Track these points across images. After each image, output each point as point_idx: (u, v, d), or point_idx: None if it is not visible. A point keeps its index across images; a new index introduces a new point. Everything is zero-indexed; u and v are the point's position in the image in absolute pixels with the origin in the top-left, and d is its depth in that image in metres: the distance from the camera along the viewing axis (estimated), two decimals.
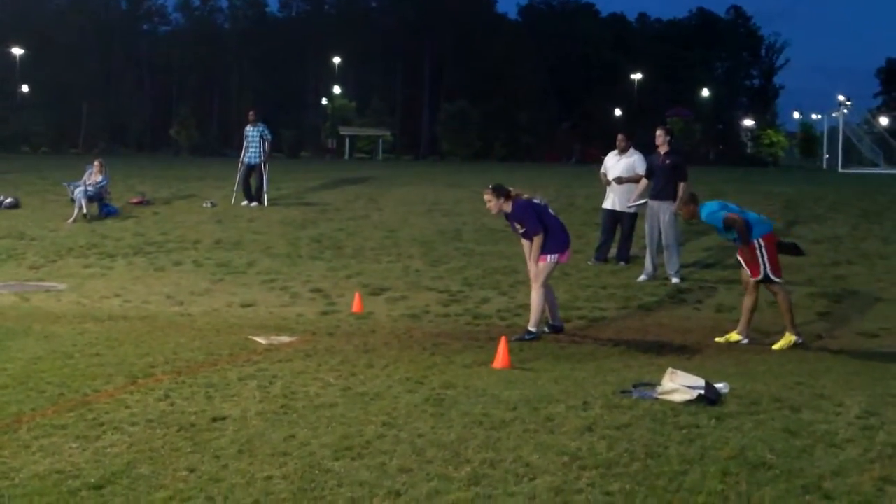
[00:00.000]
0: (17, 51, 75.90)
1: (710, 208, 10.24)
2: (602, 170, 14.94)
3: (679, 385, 7.07)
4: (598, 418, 6.39)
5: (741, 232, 9.84)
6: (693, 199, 10.70)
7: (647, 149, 14.62)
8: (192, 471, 5.28)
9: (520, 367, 8.34)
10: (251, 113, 21.47)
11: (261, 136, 20.84)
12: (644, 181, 13.75)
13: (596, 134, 73.79)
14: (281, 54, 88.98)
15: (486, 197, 10.24)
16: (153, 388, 7.23)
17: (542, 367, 8.41)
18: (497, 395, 7.07)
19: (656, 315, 11.53)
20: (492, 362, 8.44)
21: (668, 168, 13.31)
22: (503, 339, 8.63)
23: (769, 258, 9.89)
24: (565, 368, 8.41)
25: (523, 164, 49.75)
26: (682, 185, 13.13)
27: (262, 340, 9.42)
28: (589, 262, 14.54)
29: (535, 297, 9.98)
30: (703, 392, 6.93)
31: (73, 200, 19.38)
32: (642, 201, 13.83)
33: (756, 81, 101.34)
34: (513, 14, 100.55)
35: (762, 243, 9.89)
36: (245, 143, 21.01)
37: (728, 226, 9.95)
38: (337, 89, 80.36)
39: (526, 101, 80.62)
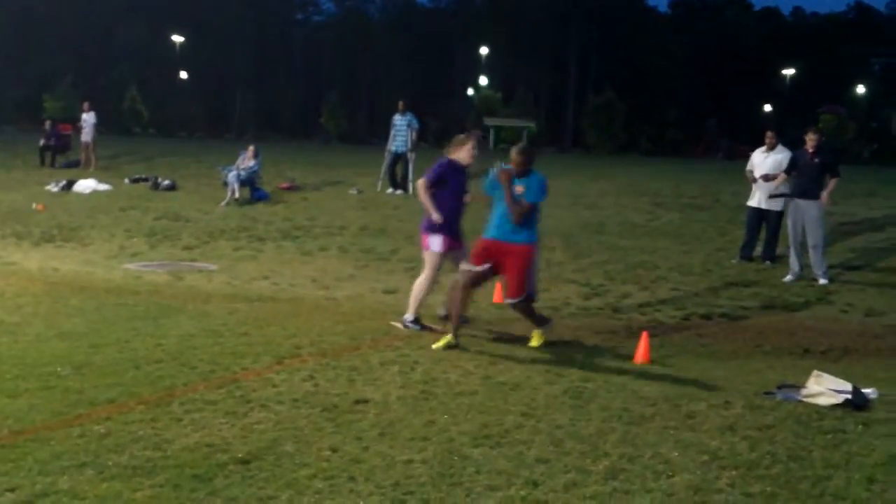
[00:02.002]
0: (177, 38, 78.52)
1: None
2: (748, 167, 14.61)
3: (825, 388, 6.90)
4: (739, 418, 6.29)
5: None
6: None
7: (796, 146, 14.26)
8: (334, 451, 5.42)
9: (660, 363, 8.26)
10: (401, 102, 21.74)
11: (408, 125, 21.11)
12: (783, 175, 13.44)
13: (744, 130, 72.10)
14: (428, 44, 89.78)
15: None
16: (298, 368, 7.43)
17: (682, 364, 8.31)
18: (637, 391, 7.03)
19: (802, 316, 11.22)
20: (632, 357, 8.38)
21: (816, 166, 12.95)
22: (644, 334, 8.55)
23: None
24: (706, 366, 8.29)
25: (669, 160, 48.97)
26: (833, 181, 12.82)
27: (403, 327, 9.54)
28: (733, 261, 14.25)
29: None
30: (849, 396, 6.74)
31: (226, 184, 20.02)
32: (780, 193, 13.56)
33: None
34: (663, 7, 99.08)
35: None
36: (392, 132, 21.30)
37: None
38: (483, 80, 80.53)
39: (674, 95, 79.30)
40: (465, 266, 8.72)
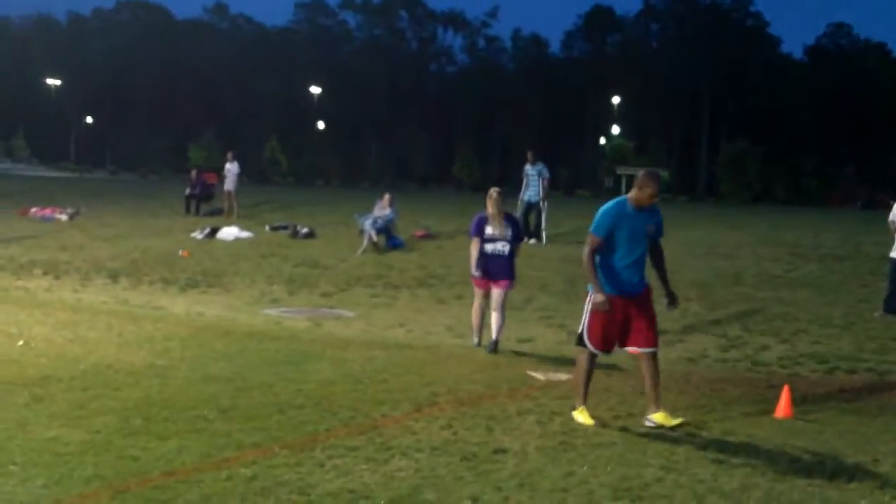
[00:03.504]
0: (315, 90, 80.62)
1: None
2: (891, 217, 14.16)
3: None
4: (890, 474, 6.10)
5: None
6: None
7: None
8: (475, 500, 5.47)
9: (802, 418, 8.05)
10: (530, 153, 21.89)
11: (539, 175, 21.21)
12: None
13: (885, 179, 69.95)
14: (560, 94, 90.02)
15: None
16: (437, 416, 7.51)
17: (826, 420, 8.08)
18: (779, 446, 6.88)
19: None
20: (773, 411, 8.20)
21: None
22: (786, 387, 8.36)
23: None
24: (851, 422, 8.05)
25: (806, 209, 47.80)
26: None
27: (540, 376, 9.56)
28: (876, 314, 13.81)
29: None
30: None
31: (362, 232, 20.39)
32: None
33: None
34: (797, 54, 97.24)
35: None
36: (525, 181, 21.43)
37: None
38: (616, 129, 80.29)
39: (809, 143, 77.54)
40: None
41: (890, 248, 14.26)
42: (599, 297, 7.44)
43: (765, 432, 7.36)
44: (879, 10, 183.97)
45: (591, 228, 7.62)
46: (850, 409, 8.82)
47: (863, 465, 6.37)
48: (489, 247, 11.08)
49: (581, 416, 7.51)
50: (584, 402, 7.65)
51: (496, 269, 11.12)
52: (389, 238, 20.54)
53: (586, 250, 7.58)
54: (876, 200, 59.02)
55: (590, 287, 7.63)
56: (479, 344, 11.39)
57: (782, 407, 8.16)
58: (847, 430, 7.60)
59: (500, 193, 11.37)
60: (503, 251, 11.11)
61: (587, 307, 7.64)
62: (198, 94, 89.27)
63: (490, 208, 11.19)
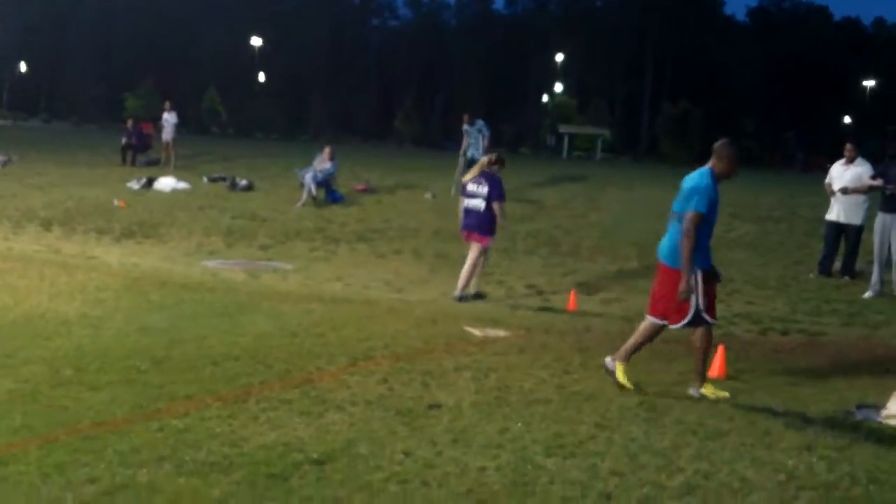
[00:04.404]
0: (257, 41, 79.58)
1: None
2: (827, 180, 14.33)
3: None
4: (817, 437, 6.17)
5: None
6: None
7: (875, 160, 13.98)
8: (408, 455, 5.44)
9: (736, 378, 8.13)
10: (466, 115, 21.99)
11: (479, 132, 21.20)
12: (877, 181, 13.09)
13: (822, 142, 70.88)
14: (504, 51, 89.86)
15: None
16: (373, 371, 7.47)
17: (758, 380, 8.16)
18: (712, 405, 6.94)
19: (883, 334, 10.95)
20: (708, 371, 8.27)
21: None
22: (720, 347, 8.43)
23: None
24: (783, 383, 8.14)
25: (745, 170, 48.25)
26: None
27: (477, 332, 9.55)
28: (811, 275, 14.02)
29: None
30: None
31: (302, 185, 20.22)
32: (858, 188, 13.36)
33: None
34: (741, 16, 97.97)
35: None
36: (465, 139, 21.40)
37: None
38: (559, 87, 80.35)
39: (751, 105, 78.32)
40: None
41: (826, 210, 14.46)
42: (687, 286, 7.19)
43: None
44: None
45: (695, 206, 7.20)
46: (782, 369, 8.92)
47: (792, 425, 6.44)
48: (468, 202, 11.86)
49: (709, 391, 7.32)
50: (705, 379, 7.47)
51: (471, 223, 11.86)
52: (329, 192, 20.40)
53: (691, 229, 7.19)
54: (813, 163, 59.84)
55: (696, 264, 7.25)
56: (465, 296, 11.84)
57: (716, 366, 8.23)
58: (779, 391, 7.68)
59: (490, 158, 12.14)
60: (478, 207, 11.71)
61: (697, 287, 7.28)
62: (136, 42, 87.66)
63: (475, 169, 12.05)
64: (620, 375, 7.37)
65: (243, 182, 22.38)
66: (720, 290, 12.69)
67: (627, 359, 7.49)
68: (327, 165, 20.52)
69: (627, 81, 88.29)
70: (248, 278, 12.69)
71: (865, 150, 14.64)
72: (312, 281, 12.82)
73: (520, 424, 6.13)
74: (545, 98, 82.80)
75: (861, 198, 13.75)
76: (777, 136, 79.67)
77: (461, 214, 11.99)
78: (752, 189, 25.36)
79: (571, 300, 11.65)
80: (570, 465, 5.37)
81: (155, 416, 5.98)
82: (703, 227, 7.29)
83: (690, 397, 7.21)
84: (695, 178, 7.45)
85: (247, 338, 8.51)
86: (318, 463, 5.24)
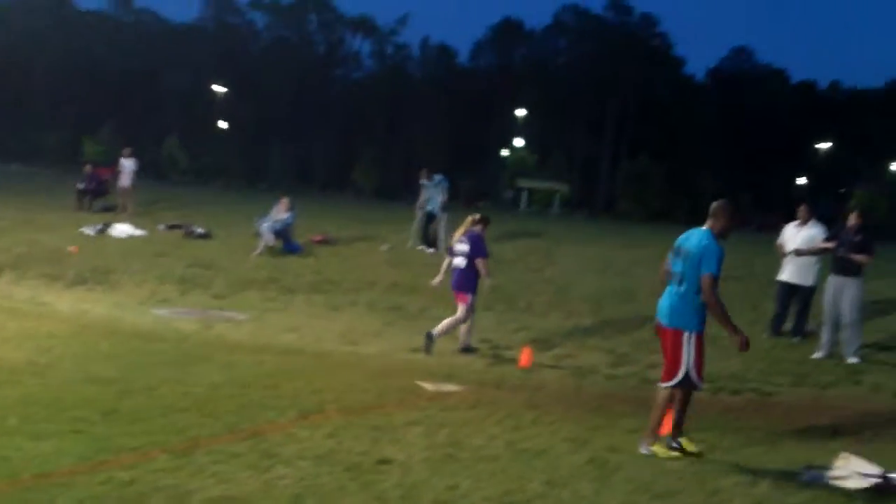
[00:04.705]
0: (220, 89, 79.60)
1: None
2: (779, 240, 14.52)
3: (853, 471, 6.81)
4: (765, 497, 6.22)
5: None
6: None
7: (828, 222, 14.20)
8: None
9: (687, 437, 8.16)
10: (424, 170, 22.17)
11: (438, 186, 21.33)
12: (829, 244, 13.29)
13: (777, 202, 71.85)
14: (466, 104, 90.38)
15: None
16: (323, 424, 7.43)
17: (710, 439, 8.21)
18: (662, 464, 6.97)
19: (831, 395, 11.08)
20: (658, 428, 8.30)
21: (857, 244, 12.86)
22: (670, 406, 8.46)
23: None
24: (734, 442, 8.20)
25: None
26: (865, 257, 12.71)
27: (429, 387, 9.54)
28: (763, 335, 14.15)
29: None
30: (878, 481, 6.65)
31: (259, 234, 20.15)
32: (811, 250, 13.54)
33: None
34: (700, 76, 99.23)
35: None
36: (424, 192, 21.51)
37: None
38: (519, 141, 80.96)
39: (709, 164, 79.32)
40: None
41: (779, 270, 14.62)
42: (744, 337, 7.38)
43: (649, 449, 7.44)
44: (781, 37, 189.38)
45: (713, 269, 7.33)
46: (733, 428, 8.98)
47: (742, 485, 6.49)
48: (454, 260, 12.29)
49: (688, 446, 7.41)
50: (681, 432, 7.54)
51: (454, 281, 12.24)
52: (287, 242, 20.34)
53: (715, 292, 7.33)
54: (768, 223, 60.54)
55: (693, 327, 7.44)
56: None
57: (667, 425, 8.26)
58: (729, 450, 7.73)
59: (473, 218, 12.50)
60: (459, 265, 12.11)
61: (689, 349, 7.44)
62: (97, 87, 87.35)
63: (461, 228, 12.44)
64: (688, 445, 7.42)
65: (200, 230, 22.28)
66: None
67: (680, 431, 7.54)
68: (285, 215, 20.48)
69: (588, 138, 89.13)
70: (201, 328, 12.59)
71: (819, 213, 14.86)
72: (266, 331, 12.74)
73: (469, 481, 6.12)
74: (505, 152, 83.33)
75: (813, 259, 13.93)
76: (735, 196, 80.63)
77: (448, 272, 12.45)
78: None
79: (524, 356, 11.67)
80: None
81: (100, 468, 5.90)
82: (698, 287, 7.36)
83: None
84: (698, 240, 7.54)
85: (197, 388, 8.43)
86: None
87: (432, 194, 21.36)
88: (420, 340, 12.20)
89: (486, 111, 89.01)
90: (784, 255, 14.20)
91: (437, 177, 21.59)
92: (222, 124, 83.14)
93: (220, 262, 18.50)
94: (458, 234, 12.39)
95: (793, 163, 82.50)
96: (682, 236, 7.76)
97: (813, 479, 6.81)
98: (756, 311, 15.95)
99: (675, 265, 7.61)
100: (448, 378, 10.15)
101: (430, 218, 21.48)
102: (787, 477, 6.80)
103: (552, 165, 78.30)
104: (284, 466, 6.19)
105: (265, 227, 20.01)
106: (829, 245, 13.28)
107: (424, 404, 8.56)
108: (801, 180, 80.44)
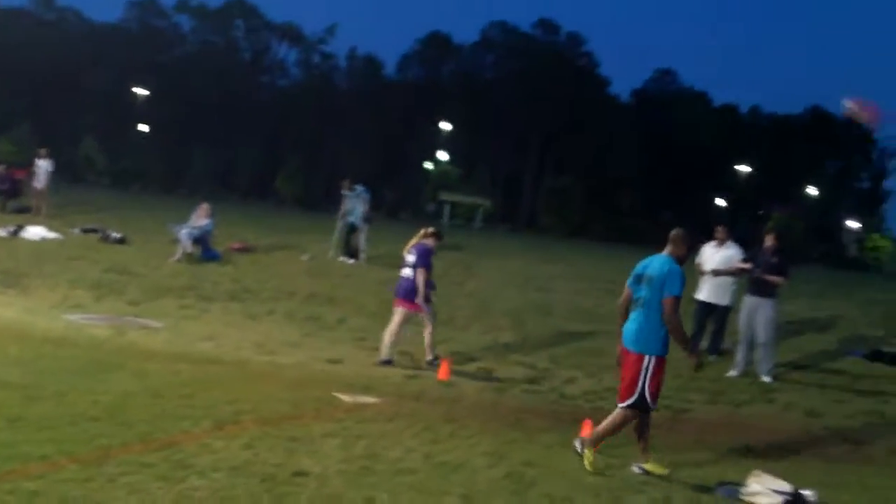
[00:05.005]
0: (141, 91, 78.44)
1: None
2: (697, 260, 14.73)
3: (765, 488, 6.92)
4: None
5: None
6: None
7: (745, 244, 14.45)
8: None
9: (603, 453, 8.21)
10: (346, 181, 22.12)
11: (359, 197, 21.28)
12: (746, 265, 13.52)
13: (696, 223, 73.08)
14: (392, 116, 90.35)
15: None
16: (238, 435, 7.31)
17: (625, 455, 8.26)
18: (578, 479, 7.00)
19: (745, 413, 11.27)
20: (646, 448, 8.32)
21: (773, 266, 13.11)
22: (587, 421, 8.52)
23: None
24: (650, 458, 8.26)
25: (622, 246, 49.35)
26: (780, 279, 12.97)
27: (347, 398, 9.46)
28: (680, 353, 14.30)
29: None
30: (789, 498, 6.76)
31: (177, 241, 19.84)
32: (728, 270, 13.75)
33: (865, 184, 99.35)
34: (625, 96, 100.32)
35: None
36: (345, 202, 21.42)
37: None
38: (443, 155, 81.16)
39: (629, 183, 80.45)
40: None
41: (696, 289, 14.82)
42: (698, 360, 7.82)
43: (565, 465, 7.47)
44: (703, 60, 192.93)
45: (676, 291, 7.54)
46: (649, 445, 9.05)
47: (656, 501, 6.56)
48: (403, 270, 12.50)
49: (655, 469, 7.49)
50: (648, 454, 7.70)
51: (399, 289, 12.48)
52: (205, 249, 20.05)
53: (672, 313, 7.54)
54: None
55: (655, 352, 7.62)
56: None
57: (586, 429, 8.31)
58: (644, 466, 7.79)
59: (425, 231, 12.90)
60: (407, 275, 12.36)
61: (647, 372, 7.58)
62: (15, 86, 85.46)
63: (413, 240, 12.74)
64: (656, 469, 7.53)
65: (116, 234, 21.86)
66: (594, 365, 12.97)
67: (647, 451, 7.71)
68: (204, 222, 20.19)
69: (512, 154, 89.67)
70: (114, 334, 12.33)
71: (737, 234, 15.10)
72: (181, 340, 12.53)
73: (386, 494, 6.07)
74: (429, 165, 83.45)
75: (730, 279, 14.14)
76: (656, 215, 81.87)
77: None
78: (627, 265, 25.91)
79: (443, 369, 11.66)
80: None
81: (6, 478, 5.71)
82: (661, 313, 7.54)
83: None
84: (660, 265, 7.75)
85: (109, 397, 8.24)
86: None
87: (354, 205, 21.28)
88: (341, 351, 12.16)
89: (412, 124, 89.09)
90: (702, 274, 14.39)
91: (359, 187, 21.53)
92: (143, 127, 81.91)
93: (135, 268, 18.15)
94: (410, 245, 12.63)
95: (713, 183, 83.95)
96: (642, 263, 7.99)
97: (726, 495, 6.91)
98: None
99: (637, 292, 7.79)
100: (366, 390, 10.08)
101: (351, 229, 21.39)
102: (700, 493, 6.86)
103: (476, 180, 78.69)
104: (198, 478, 6.07)
105: (184, 233, 19.70)
106: (746, 266, 13.52)
107: (342, 416, 8.48)
108: (721, 201, 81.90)
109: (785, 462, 8.88)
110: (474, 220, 71.25)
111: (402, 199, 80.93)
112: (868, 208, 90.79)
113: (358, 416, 8.55)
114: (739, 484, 7.08)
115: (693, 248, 8.11)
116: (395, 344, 12.24)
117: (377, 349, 12.57)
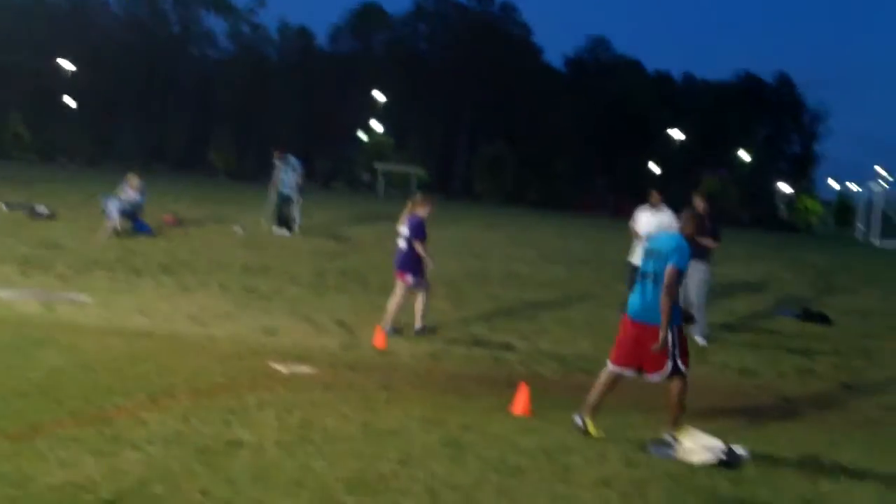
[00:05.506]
0: (67, 64, 76.92)
1: None
2: (631, 222, 14.85)
3: (698, 446, 7.03)
4: (614, 473, 6.35)
5: None
6: None
7: (679, 208, 14.56)
8: (205, 494, 5.29)
9: (538, 416, 8.28)
10: (276, 151, 21.85)
11: (291, 167, 21.07)
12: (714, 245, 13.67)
13: (630, 188, 73.71)
14: (324, 87, 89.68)
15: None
16: (172, 407, 7.24)
17: (560, 417, 8.33)
18: (514, 442, 7.04)
19: None
20: (510, 407, 8.40)
21: (705, 228, 13.23)
22: (522, 384, 8.58)
23: None
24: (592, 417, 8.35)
25: (557, 212, 49.68)
26: (713, 242, 13.12)
27: (282, 369, 9.41)
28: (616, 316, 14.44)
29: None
30: (722, 455, 6.88)
31: (105, 214, 19.48)
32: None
33: (796, 148, 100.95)
34: (558, 64, 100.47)
35: None
36: (278, 173, 21.20)
37: None
38: (377, 125, 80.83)
39: (563, 149, 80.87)
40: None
41: (629, 253, 14.95)
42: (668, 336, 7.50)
43: (501, 428, 7.52)
44: (637, 28, 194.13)
45: (677, 262, 7.57)
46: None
47: (591, 461, 6.61)
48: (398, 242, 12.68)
49: (683, 436, 7.41)
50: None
51: (397, 261, 12.67)
52: (136, 222, 19.73)
53: (672, 284, 7.54)
54: (620, 208, 62.06)
55: (672, 321, 7.59)
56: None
57: (519, 404, 8.37)
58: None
59: (414, 201, 12.96)
60: (402, 247, 12.55)
61: (675, 340, 7.59)
62: None
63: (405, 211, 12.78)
64: (592, 430, 7.62)
65: (44, 210, 21.43)
66: (529, 330, 13.06)
67: (594, 412, 7.77)
68: (133, 196, 19.84)
69: (446, 122, 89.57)
70: (43, 310, 12.11)
71: (669, 198, 15.23)
72: (112, 314, 12.33)
73: (322, 462, 6.06)
74: (363, 135, 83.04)
75: None
76: (589, 181, 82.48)
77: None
78: (562, 232, 26.14)
79: (379, 337, 11.65)
80: (371, 503, 5.32)
81: None
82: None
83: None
84: (669, 239, 7.89)
85: (38, 373, 8.09)
86: (109, 503, 5.02)
87: (285, 175, 21.06)
88: (275, 321, 12.11)
89: (345, 94, 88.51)
90: (636, 236, 14.51)
91: (291, 157, 21.29)
92: (69, 101, 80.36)
93: (65, 243, 17.83)
94: (402, 217, 12.76)
95: (647, 150, 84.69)
96: (651, 239, 8.31)
97: (659, 453, 7.00)
98: (609, 293, 16.30)
99: (646, 265, 7.90)
100: (301, 360, 10.03)
101: (285, 200, 21.18)
102: (634, 452, 6.95)
103: (410, 149, 78.47)
104: (132, 451, 6.00)
105: (112, 206, 19.33)
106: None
107: (277, 386, 8.44)
108: (654, 167, 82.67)
109: (719, 420, 9.03)
110: (409, 189, 71.08)
111: (335, 170, 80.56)
112: (799, 171, 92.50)
113: (293, 386, 8.51)
114: (673, 442, 7.19)
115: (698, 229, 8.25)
116: (423, 311, 12.61)
117: (310, 319, 12.53)
